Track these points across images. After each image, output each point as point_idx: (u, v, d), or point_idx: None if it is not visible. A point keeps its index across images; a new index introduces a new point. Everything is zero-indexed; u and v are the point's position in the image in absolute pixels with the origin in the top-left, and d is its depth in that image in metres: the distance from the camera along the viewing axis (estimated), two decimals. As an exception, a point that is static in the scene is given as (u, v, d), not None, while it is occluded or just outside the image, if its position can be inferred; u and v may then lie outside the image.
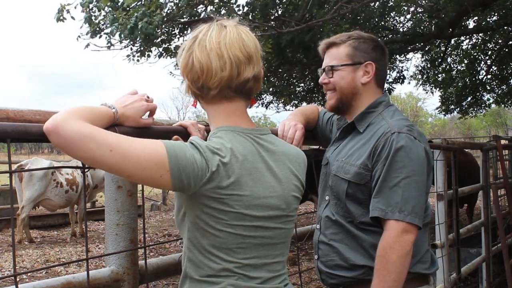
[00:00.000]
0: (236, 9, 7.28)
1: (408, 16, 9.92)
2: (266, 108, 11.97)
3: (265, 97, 11.40)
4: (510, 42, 10.36)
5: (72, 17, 6.95)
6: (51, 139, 1.07)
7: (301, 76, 10.02)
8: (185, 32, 7.81)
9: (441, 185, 3.52)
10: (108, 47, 7.35)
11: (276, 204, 1.24)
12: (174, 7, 7.05)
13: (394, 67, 11.39)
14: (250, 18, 6.85)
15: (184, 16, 6.71)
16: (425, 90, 13.43)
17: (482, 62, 11.71)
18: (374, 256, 1.56)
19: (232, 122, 1.26)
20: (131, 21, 6.11)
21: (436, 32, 8.74)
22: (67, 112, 1.09)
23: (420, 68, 12.36)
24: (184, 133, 1.50)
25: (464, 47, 11.64)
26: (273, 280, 1.27)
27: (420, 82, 13.13)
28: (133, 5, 6.19)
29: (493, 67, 11.64)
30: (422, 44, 9.65)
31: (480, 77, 11.74)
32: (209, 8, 6.99)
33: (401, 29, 9.72)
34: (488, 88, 12.48)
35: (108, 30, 7.01)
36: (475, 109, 13.23)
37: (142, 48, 7.38)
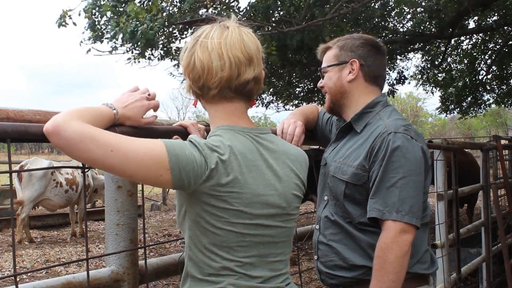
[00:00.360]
0: (238, 11, 7.29)
1: (408, 17, 9.92)
2: (266, 108, 11.99)
3: (265, 97, 11.42)
4: (510, 42, 10.36)
5: (74, 23, 6.98)
6: (52, 140, 1.08)
7: (301, 77, 10.03)
8: (186, 33, 7.82)
9: (441, 185, 3.52)
10: (110, 52, 7.37)
11: (276, 202, 1.25)
12: (175, 10, 7.06)
13: (395, 67, 11.39)
14: (252, 19, 6.86)
15: (186, 19, 6.72)
16: (425, 90, 13.44)
17: (482, 62, 11.71)
18: (373, 257, 1.56)
19: (232, 121, 1.27)
20: (131, 25, 6.13)
21: (436, 32, 8.75)
22: (67, 113, 1.09)
23: (420, 68, 12.36)
24: (184, 133, 1.50)
25: (464, 47, 11.64)
26: (275, 279, 1.27)
27: (420, 82, 13.13)
28: (136, 9, 6.20)
29: (493, 67, 11.64)
30: (422, 44, 9.66)
31: (480, 77, 11.73)
32: (211, 11, 7.00)
33: (401, 29, 9.73)
34: (488, 88, 12.48)
35: (109, 35, 7.03)
36: (475, 109, 13.22)
37: (142, 51, 7.39)
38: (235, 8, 7.21)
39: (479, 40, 11.17)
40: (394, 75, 11.35)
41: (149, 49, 7.39)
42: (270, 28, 6.90)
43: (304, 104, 11.32)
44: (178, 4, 7.06)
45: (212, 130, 1.29)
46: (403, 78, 11.23)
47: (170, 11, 7.10)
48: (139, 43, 6.48)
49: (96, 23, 7.07)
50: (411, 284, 1.61)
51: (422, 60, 12.10)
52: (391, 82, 11.05)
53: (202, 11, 6.98)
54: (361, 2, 6.05)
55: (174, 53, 8.16)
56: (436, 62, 11.44)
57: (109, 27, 6.85)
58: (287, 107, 11.69)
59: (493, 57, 11.19)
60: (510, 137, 10.19)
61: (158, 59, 8.18)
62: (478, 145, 6.29)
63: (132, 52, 7.63)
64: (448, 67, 11.88)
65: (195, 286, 1.23)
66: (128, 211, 1.52)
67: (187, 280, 1.25)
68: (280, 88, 10.48)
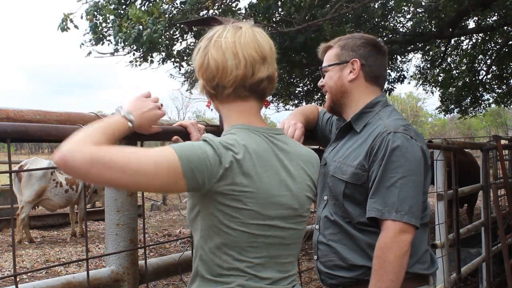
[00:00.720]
0: (238, 12, 7.29)
1: (408, 16, 9.93)
2: (266, 108, 11.97)
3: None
4: (510, 42, 10.36)
5: (76, 26, 6.97)
6: (63, 171, 1.06)
7: (301, 77, 10.03)
8: (186, 36, 7.83)
9: (441, 185, 3.52)
10: (112, 54, 7.37)
11: (289, 203, 1.24)
12: (175, 12, 7.06)
13: (395, 67, 11.39)
14: (253, 19, 6.87)
15: (187, 19, 6.72)
16: (425, 90, 13.43)
17: (482, 62, 11.71)
18: (372, 257, 1.56)
19: (246, 121, 1.26)
20: (135, 31, 6.13)
21: (436, 32, 8.75)
22: (75, 140, 1.07)
23: (420, 68, 12.36)
24: (184, 133, 1.50)
25: (464, 47, 11.64)
26: (283, 281, 1.27)
27: (420, 82, 13.13)
28: (137, 14, 6.19)
29: (493, 67, 11.64)
30: (422, 44, 9.66)
31: (480, 77, 11.73)
32: (211, 12, 7.00)
33: (401, 29, 9.73)
34: (488, 88, 12.47)
35: (112, 38, 7.03)
36: (475, 109, 13.22)
37: (144, 55, 7.39)
38: (235, 8, 7.20)
39: (479, 40, 11.17)
40: (394, 74, 11.36)
41: (152, 52, 7.38)
42: (270, 29, 6.90)
43: (304, 104, 11.32)
44: (179, 6, 7.06)
45: (226, 129, 1.28)
46: (402, 77, 11.24)
47: (172, 13, 7.10)
48: (143, 47, 6.47)
49: (98, 25, 7.07)
50: (411, 284, 1.61)
51: (422, 60, 12.11)
52: (390, 80, 11.05)
53: (203, 12, 6.98)
54: (361, 2, 6.05)
55: (175, 56, 8.17)
56: (436, 62, 11.44)
57: (112, 31, 6.85)
58: (287, 107, 11.69)
59: (493, 57, 11.19)
60: (510, 137, 10.19)
61: (160, 62, 8.19)
62: (478, 145, 6.30)
63: (134, 55, 7.63)
64: (448, 67, 11.88)
65: (204, 286, 1.22)
66: (128, 211, 1.52)
67: (196, 279, 1.24)
68: (280, 88, 10.48)
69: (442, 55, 10.77)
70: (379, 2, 8.28)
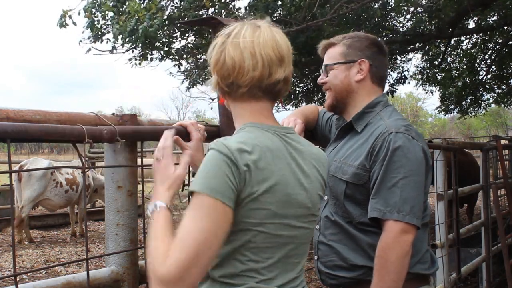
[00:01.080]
0: (237, 12, 7.30)
1: (408, 16, 9.93)
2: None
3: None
4: (510, 42, 10.36)
5: (74, 23, 6.98)
6: None
7: (301, 76, 10.02)
8: (186, 34, 7.82)
9: (441, 185, 3.52)
10: (111, 51, 7.36)
11: (304, 202, 1.23)
12: (175, 10, 7.06)
13: (395, 67, 11.39)
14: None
15: (186, 18, 6.72)
16: (425, 90, 13.43)
17: (482, 62, 11.71)
18: (373, 257, 1.56)
19: (259, 120, 1.25)
20: (130, 24, 6.13)
21: (436, 32, 8.75)
22: (155, 266, 1.09)
23: (420, 68, 12.36)
24: (184, 133, 1.50)
25: (464, 47, 11.64)
26: (294, 281, 1.26)
27: (420, 82, 13.13)
28: (135, 7, 6.20)
29: (493, 67, 11.64)
30: (422, 44, 9.65)
31: (480, 77, 11.73)
32: (211, 10, 7.00)
33: (401, 29, 9.73)
34: (488, 88, 12.48)
35: (109, 35, 7.03)
36: (475, 109, 13.23)
37: (143, 52, 7.38)
38: (234, 9, 7.21)
39: (479, 40, 11.17)
40: (394, 75, 11.36)
41: (150, 50, 7.38)
42: None
43: (304, 104, 11.32)
44: (178, 3, 7.06)
45: (239, 127, 1.27)
46: (403, 78, 11.23)
47: (170, 11, 7.10)
48: (138, 42, 6.47)
49: (96, 22, 7.07)
50: (411, 285, 1.61)
51: (422, 60, 12.10)
52: (391, 82, 11.05)
53: (203, 11, 6.98)
54: (360, 2, 6.05)
55: (174, 54, 8.16)
56: (436, 62, 11.44)
57: (111, 28, 6.85)
58: (287, 107, 11.68)
59: (493, 57, 11.19)
60: (510, 137, 10.19)
61: (159, 59, 8.18)
62: (478, 145, 6.30)
63: (133, 52, 7.63)
64: (448, 67, 11.88)
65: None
66: (128, 211, 1.52)
67: (206, 281, 1.22)
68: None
69: (442, 55, 10.77)
70: (379, 2, 8.27)
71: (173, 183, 1.25)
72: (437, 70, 11.96)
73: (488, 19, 9.60)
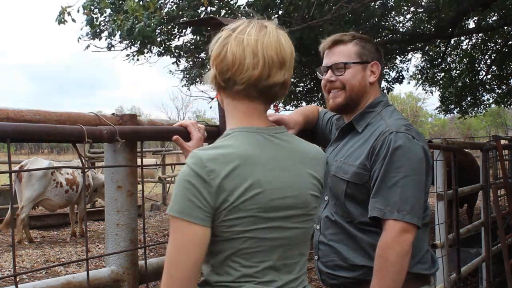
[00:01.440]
0: (237, 9, 7.29)
1: (408, 16, 9.93)
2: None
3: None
4: (510, 42, 10.37)
5: (73, 20, 6.98)
6: None
7: (301, 76, 10.02)
8: (185, 32, 7.82)
9: (441, 185, 3.52)
10: (109, 48, 7.36)
11: (293, 204, 1.22)
12: (174, 8, 7.06)
13: (395, 67, 11.39)
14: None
15: (185, 18, 6.72)
16: (425, 90, 13.43)
17: (482, 62, 11.71)
18: (374, 256, 1.55)
19: (248, 122, 1.24)
20: (128, 23, 6.14)
21: (436, 32, 8.75)
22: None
23: (419, 68, 12.36)
24: (184, 133, 1.50)
25: (464, 47, 11.64)
26: (293, 282, 1.25)
27: (420, 82, 13.13)
28: (134, 6, 6.20)
29: (493, 67, 11.65)
30: (421, 44, 9.66)
31: (480, 77, 11.74)
32: (210, 9, 7.00)
33: (401, 29, 9.73)
34: (488, 88, 12.48)
35: (107, 33, 7.04)
36: (475, 109, 13.23)
37: (140, 48, 7.39)
38: (233, 6, 7.20)
39: (479, 40, 11.17)
40: (393, 74, 11.36)
41: (148, 46, 7.38)
42: None
43: (304, 104, 11.32)
44: (177, 1, 7.06)
45: (229, 127, 1.26)
46: (401, 77, 11.24)
47: (169, 9, 7.10)
48: (136, 40, 6.48)
49: (95, 19, 7.07)
50: (412, 285, 1.61)
51: (422, 60, 12.11)
52: (388, 80, 11.06)
53: (201, 9, 6.98)
54: (361, 2, 6.05)
55: (173, 51, 8.15)
56: (436, 62, 11.44)
57: (108, 25, 6.86)
58: (287, 107, 11.69)
59: (493, 57, 11.20)
60: (510, 137, 10.18)
61: (158, 55, 8.17)
62: (478, 145, 6.30)
63: (131, 48, 7.63)
64: (447, 67, 11.88)
65: None
66: (128, 211, 1.52)
67: (204, 285, 1.22)
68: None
69: (442, 55, 10.77)
70: (379, 2, 8.28)
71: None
72: (437, 70, 11.96)
73: (488, 19, 9.60)
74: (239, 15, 6.88)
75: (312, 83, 10.46)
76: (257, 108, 1.25)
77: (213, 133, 1.68)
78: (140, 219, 1.57)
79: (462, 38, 10.90)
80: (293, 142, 1.29)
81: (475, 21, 9.73)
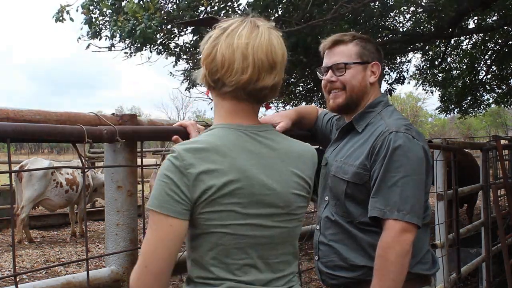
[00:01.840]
0: (236, 8, 7.29)
1: (408, 16, 9.93)
2: (266, 110, 11.95)
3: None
4: (510, 42, 10.37)
5: (71, 19, 6.98)
6: None
7: (301, 76, 10.02)
8: (185, 31, 7.82)
9: (441, 185, 3.52)
10: (109, 48, 7.37)
11: (273, 202, 1.21)
12: (174, 8, 7.06)
13: (395, 68, 11.38)
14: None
15: (185, 18, 6.72)
16: (425, 90, 13.43)
17: (482, 62, 11.72)
18: (374, 256, 1.55)
19: (232, 120, 1.24)
20: (128, 24, 6.15)
21: (436, 32, 8.75)
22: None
23: (419, 68, 12.36)
24: (183, 133, 1.50)
25: (464, 47, 11.64)
26: (277, 281, 1.24)
27: (420, 82, 13.13)
28: (134, 8, 6.20)
29: (493, 67, 11.65)
30: (422, 44, 9.65)
31: (480, 77, 11.74)
32: (209, 9, 7.00)
33: (401, 29, 9.73)
34: (488, 88, 12.49)
35: (108, 33, 7.04)
36: (475, 109, 13.23)
37: (140, 47, 7.38)
38: (234, 6, 7.20)
39: (479, 40, 11.17)
40: (394, 75, 11.36)
41: (147, 46, 7.38)
42: None
43: (304, 104, 11.32)
44: (177, 2, 7.06)
45: (214, 124, 1.27)
46: (402, 78, 11.23)
47: (169, 9, 7.10)
48: (137, 42, 6.49)
49: (94, 19, 7.07)
50: (412, 285, 1.60)
51: (422, 60, 12.11)
52: (390, 81, 11.05)
53: (201, 9, 6.98)
54: (361, 2, 6.05)
55: (173, 50, 8.15)
56: (436, 62, 11.44)
57: (108, 26, 6.86)
58: (287, 107, 11.68)
59: (493, 57, 11.20)
60: (510, 137, 10.18)
61: (157, 53, 8.16)
62: (478, 145, 6.29)
63: (130, 49, 7.63)
64: (447, 67, 11.88)
65: None
66: (128, 211, 1.52)
67: (189, 282, 1.24)
68: (280, 88, 10.45)
69: (442, 55, 10.77)
70: (379, 2, 8.27)
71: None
72: (437, 70, 11.96)
73: (488, 19, 9.60)
74: (239, 15, 6.87)
75: (312, 83, 10.45)
76: (244, 109, 1.25)
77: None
78: (140, 219, 1.57)
79: (462, 38, 10.90)
80: (278, 140, 1.28)
81: (475, 21, 9.72)
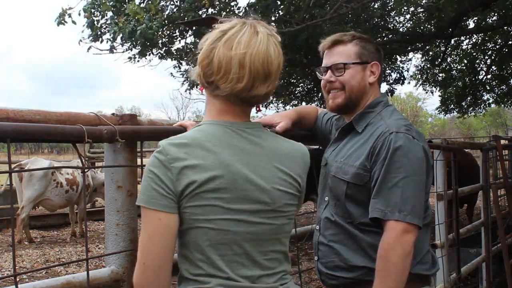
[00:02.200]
0: (237, 11, 7.30)
1: (408, 16, 9.93)
2: (266, 108, 11.97)
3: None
4: (510, 42, 10.37)
5: (74, 22, 7.00)
6: None
7: (301, 76, 10.02)
8: (186, 34, 7.82)
9: (441, 185, 3.52)
10: (111, 51, 7.38)
11: (258, 198, 1.21)
12: (175, 10, 7.07)
13: (395, 68, 11.38)
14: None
15: (186, 19, 6.72)
16: (425, 90, 13.43)
17: (482, 62, 11.72)
18: (374, 257, 1.55)
19: (220, 117, 1.25)
20: (130, 25, 6.16)
21: (436, 32, 8.75)
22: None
23: (420, 68, 12.36)
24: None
25: (464, 47, 11.64)
26: (267, 278, 1.24)
27: (420, 82, 13.13)
28: (135, 9, 6.21)
29: (493, 67, 11.65)
30: (422, 44, 9.66)
31: (480, 77, 11.75)
32: (211, 10, 7.00)
33: (401, 29, 9.72)
34: (488, 88, 12.49)
35: (109, 36, 7.05)
36: (475, 109, 13.23)
37: (142, 50, 7.40)
38: (234, 7, 7.21)
39: (479, 40, 11.17)
40: (394, 75, 11.36)
41: (149, 49, 7.40)
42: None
43: (304, 104, 11.32)
44: (178, 3, 7.07)
45: (200, 122, 1.29)
46: (402, 78, 11.23)
47: (170, 11, 7.10)
48: (138, 43, 6.50)
49: (95, 22, 7.09)
50: (412, 285, 1.60)
51: (422, 60, 12.10)
52: (390, 82, 11.05)
53: (202, 10, 6.99)
54: (360, 2, 6.05)
55: (174, 53, 8.16)
56: (436, 62, 11.43)
57: (109, 28, 6.88)
58: (287, 107, 11.68)
59: (493, 57, 11.20)
60: (510, 137, 10.18)
61: (159, 57, 8.17)
62: (478, 145, 6.29)
63: (132, 51, 7.65)
64: (448, 67, 11.88)
65: (186, 286, 1.21)
66: (128, 211, 1.52)
67: (180, 280, 1.24)
68: (280, 88, 10.47)
69: (442, 55, 10.76)
70: (379, 2, 8.28)
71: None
72: (437, 70, 11.96)
73: (488, 19, 9.60)
74: (239, 16, 6.88)
75: (312, 83, 10.45)
76: (235, 109, 1.25)
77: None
78: (140, 219, 1.56)
79: (462, 38, 10.89)
80: (265, 137, 1.28)
81: (475, 21, 9.72)
